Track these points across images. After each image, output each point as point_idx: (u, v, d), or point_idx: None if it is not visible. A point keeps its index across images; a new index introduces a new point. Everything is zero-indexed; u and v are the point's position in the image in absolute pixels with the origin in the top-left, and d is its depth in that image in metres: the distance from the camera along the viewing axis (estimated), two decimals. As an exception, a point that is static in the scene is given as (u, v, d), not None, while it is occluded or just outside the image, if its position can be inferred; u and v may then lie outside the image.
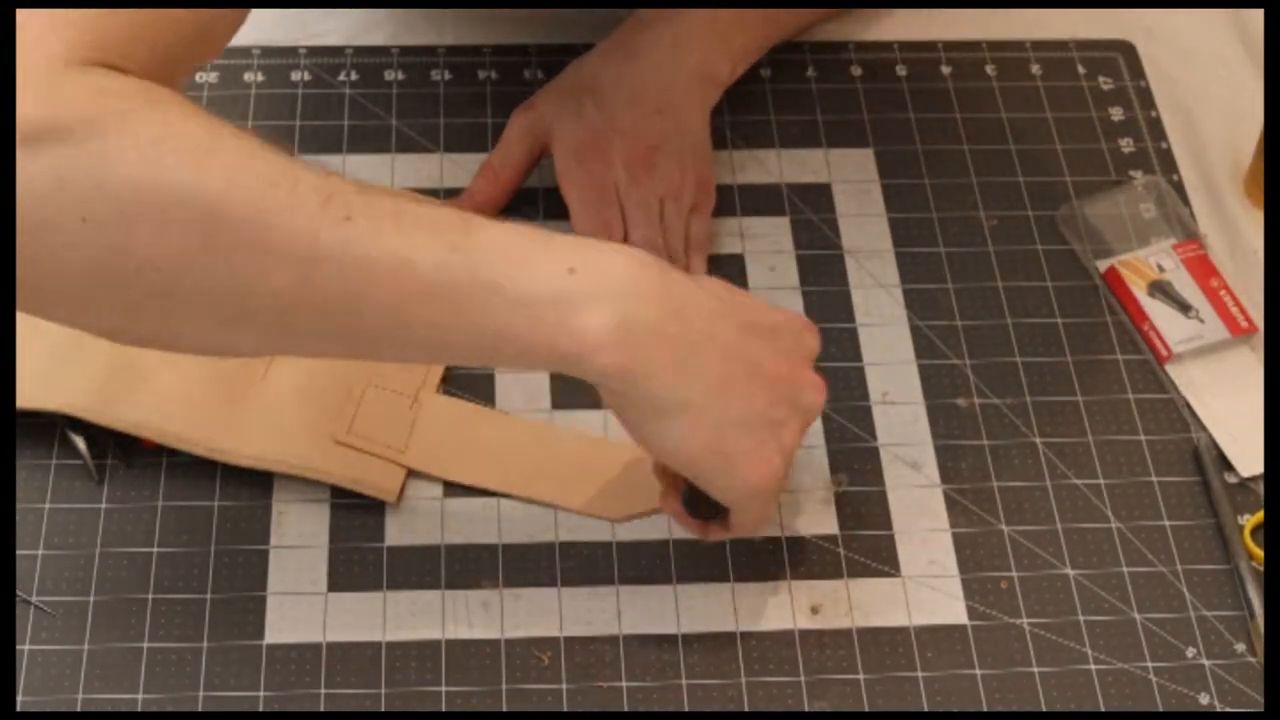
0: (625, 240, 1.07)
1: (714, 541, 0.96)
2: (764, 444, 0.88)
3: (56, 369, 1.00)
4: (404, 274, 0.81)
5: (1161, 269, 1.10)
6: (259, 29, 1.19)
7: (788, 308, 0.99)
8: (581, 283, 0.83)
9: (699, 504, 0.92)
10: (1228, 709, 0.94)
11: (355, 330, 0.84)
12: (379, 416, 1.01)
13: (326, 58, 1.19)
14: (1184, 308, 1.09)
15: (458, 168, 1.14)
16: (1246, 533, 1.00)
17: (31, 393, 0.99)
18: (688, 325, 0.85)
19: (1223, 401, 1.06)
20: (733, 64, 1.15)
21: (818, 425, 1.03)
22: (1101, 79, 1.22)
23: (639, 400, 0.86)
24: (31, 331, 1.00)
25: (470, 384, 1.04)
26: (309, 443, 1.00)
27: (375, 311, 0.82)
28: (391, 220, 0.82)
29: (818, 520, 1.00)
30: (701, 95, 1.13)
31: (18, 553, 0.96)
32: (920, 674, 0.95)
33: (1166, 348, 1.07)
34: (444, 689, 0.93)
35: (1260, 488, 1.02)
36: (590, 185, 1.08)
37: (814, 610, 0.97)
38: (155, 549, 0.97)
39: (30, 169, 0.76)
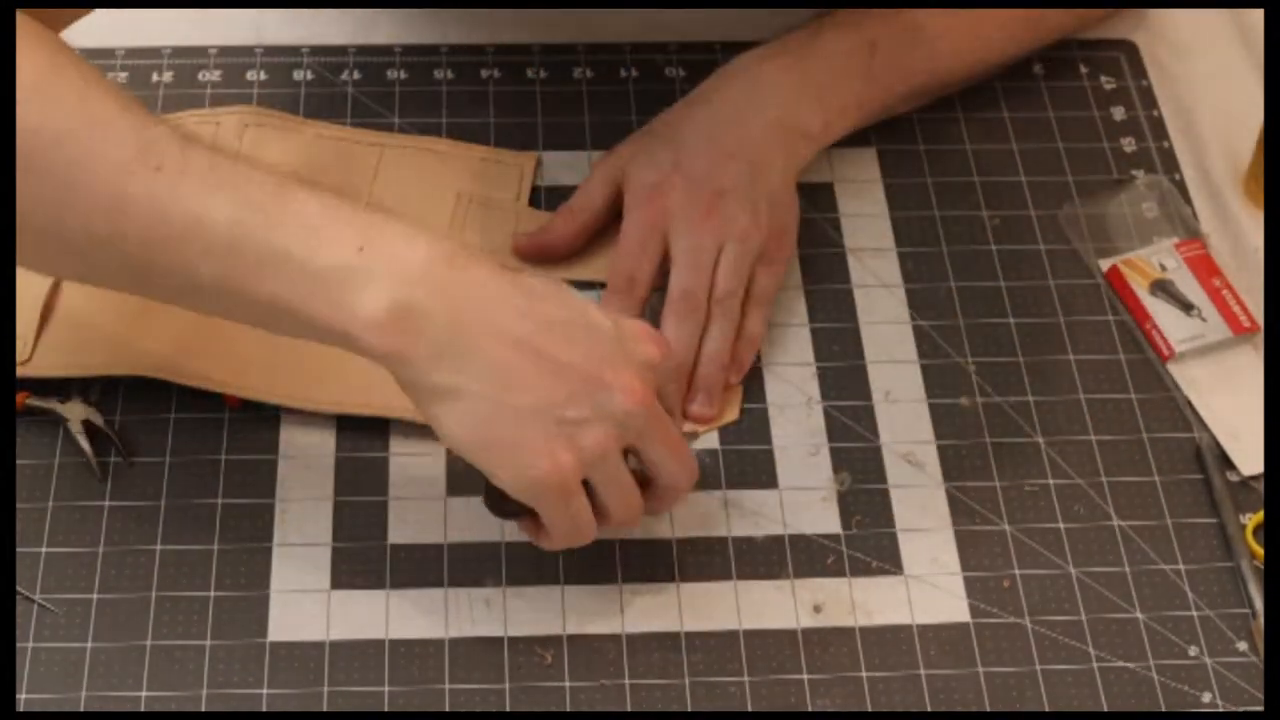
0: (667, 288, 1.04)
1: (550, 550, 0.93)
2: (552, 439, 0.86)
3: (131, 335, 1.01)
4: (194, 230, 0.82)
5: (1163, 268, 1.10)
6: (262, 28, 1.20)
7: (644, 324, 0.93)
8: (366, 261, 0.84)
9: (497, 498, 0.91)
10: (1230, 708, 0.94)
11: (152, 280, 0.85)
12: None
13: (329, 56, 1.19)
14: (1186, 307, 1.09)
15: (460, 166, 1.14)
16: (1248, 531, 1.00)
17: (110, 359, 1.00)
18: (467, 315, 0.85)
19: (1224, 400, 1.06)
20: (826, 119, 1.10)
21: (820, 423, 1.04)
22: (1103, 78, 1.22)
23: (413, 383, 0.86)
24: (102, 299, 1.01)
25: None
26: (388, 385, 1.01)
27: (166, 263, 0.83)
28: (200, 176, 0.83)
29: (820, 519, 1.00)
30: (785, 146, 1.08)
31: (21, 550, 0.96)
32: (923, 672, 0.95)
33: (1168, 347, 1.07)
34: (447, 687, 0.93)
35: (1262, 486, 1.02)
36: (640, 227, 1.05)
37: (816, 609, 0.97)
38: (158, 546, 0.97)
39: None
